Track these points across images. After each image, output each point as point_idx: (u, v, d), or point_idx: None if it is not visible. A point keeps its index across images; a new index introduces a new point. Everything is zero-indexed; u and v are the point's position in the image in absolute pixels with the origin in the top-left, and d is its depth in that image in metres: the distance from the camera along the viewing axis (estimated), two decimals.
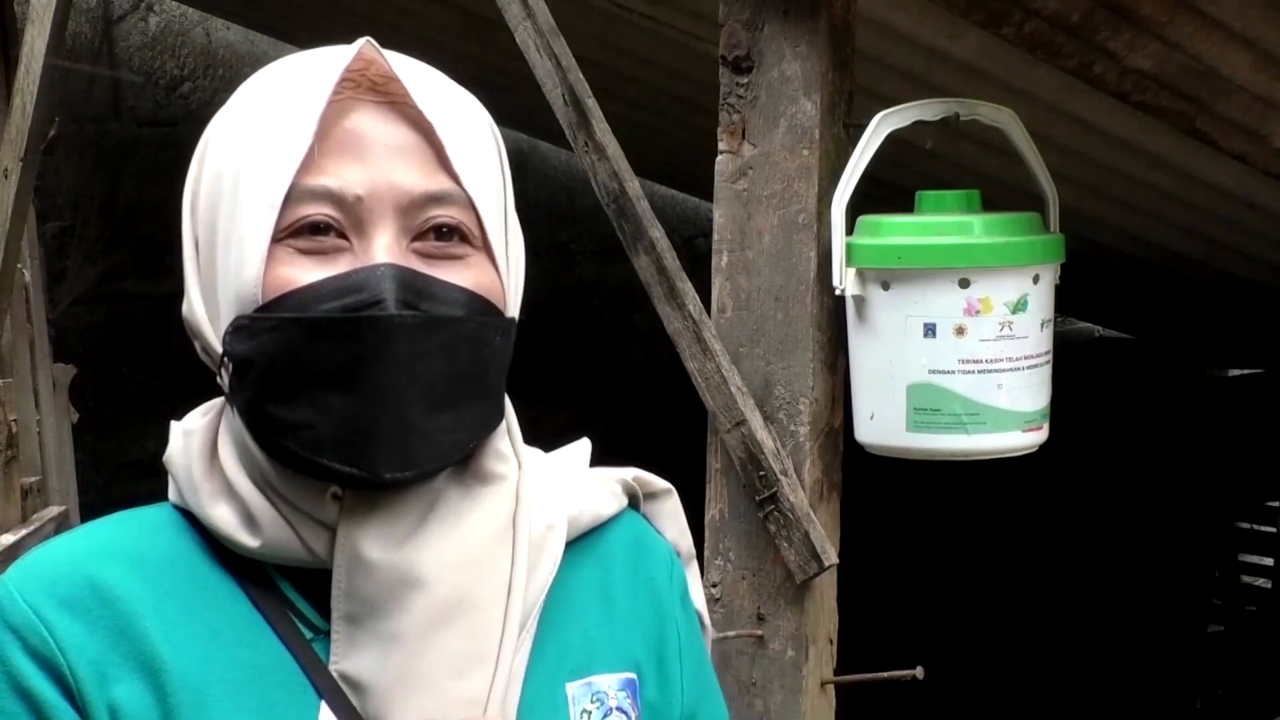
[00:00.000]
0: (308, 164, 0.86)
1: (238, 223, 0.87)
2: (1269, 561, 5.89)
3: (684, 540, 1.09)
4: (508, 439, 0.96)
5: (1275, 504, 5.89)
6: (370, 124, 0.88)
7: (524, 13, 1.87)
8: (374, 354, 0.85)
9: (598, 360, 5.20)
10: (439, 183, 0.89)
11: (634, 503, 1.06)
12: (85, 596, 0.87)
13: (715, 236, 1.82)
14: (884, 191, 1.88)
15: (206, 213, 0.90)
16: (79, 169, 3.88)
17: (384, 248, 0.86)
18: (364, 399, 0.85)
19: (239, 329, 0.87)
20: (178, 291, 0.94)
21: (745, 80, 1.77)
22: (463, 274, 0.89)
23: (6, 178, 2.78)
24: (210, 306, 0.90)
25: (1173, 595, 5.89)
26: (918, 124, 1.73)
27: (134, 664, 0.86)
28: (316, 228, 0.86)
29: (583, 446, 1.05)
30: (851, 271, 1.69)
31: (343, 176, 0.86)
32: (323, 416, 0.85)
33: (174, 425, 0.95)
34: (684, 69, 2.94)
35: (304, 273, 0.86)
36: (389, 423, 0.86)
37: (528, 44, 1.88)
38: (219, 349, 0.89)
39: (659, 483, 1.08)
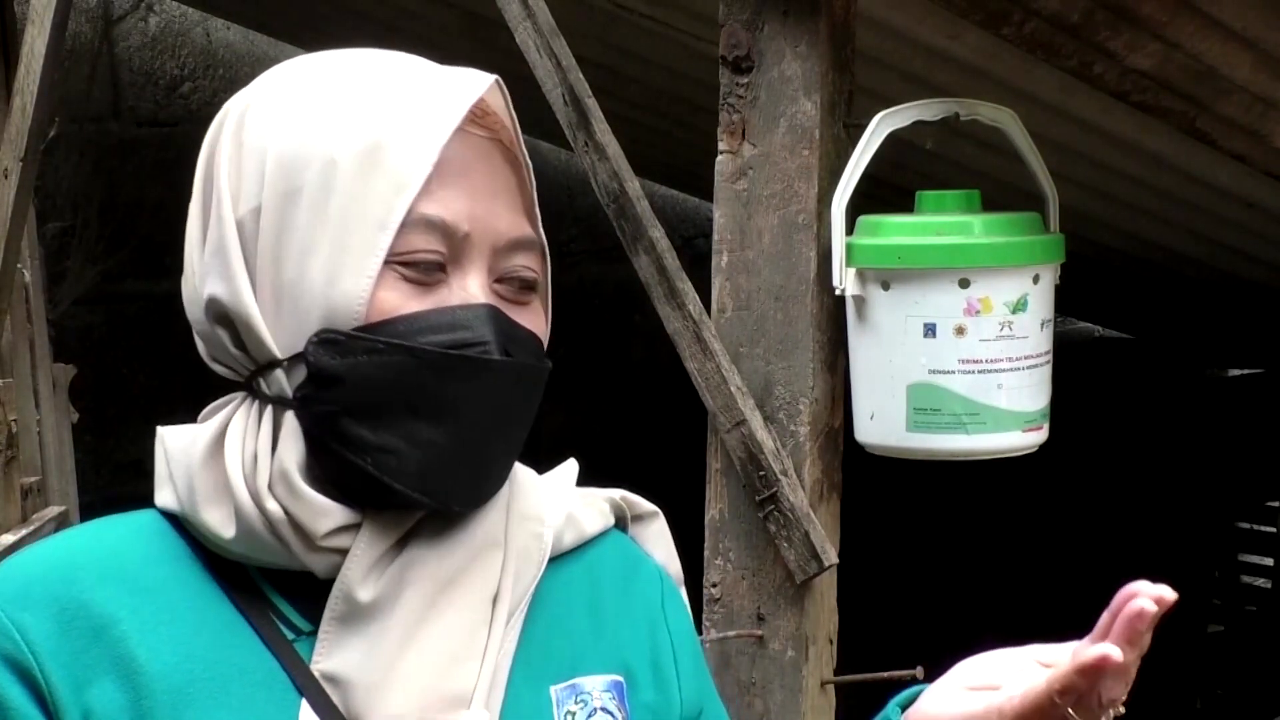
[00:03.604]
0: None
1: (335, 232, 0.86)
2: (1269, 561, 5.90)
3: (673, 564, 1.09)
4: None
5: (1275, 504, 5.89)
6: (476, 157, 0.90)
7: (524, 13, 1.87)
8: (475, 394, 0.87)
9: (598, 360, 5.19)
10: (524, 229, 0.91)
11: (621, 524, 1.06)
12: (61, 600, 0.86)
13: (715, 236, 1.82)
14: (884, 191, 1.88)
15: (274, 201, 0.87)
16: (79, 169, 3.87)
17: (480, 285, 0.88)
18: (456, 435, 0.87)
19: (332, 343, 0.86)
20: (178, 291, 0.93)
21: (745, 80, 1.77)
22: (531, 320, 0.92)
23: (6, 178, 2.78)
24: (272, 302, 0.88)
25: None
26: (918, 124, 1.73)
27: (109, 666, 0.85)
28: (429, 265, 0.87)
29: (570, 467, 1.05)
30: (851, 271, 1.69)
31: (454, 208, 0.87)
32: (409, 445, 0.86)
33: (191, 424, 0.94)
34: (684, 69, 2.94)
35: (408, 300, 0.86)
36: (472, 460, 0.88)
37: (528, 44, 1.88)
38: (273, 348, 0.87)
39: (646, 505, 1.08)
